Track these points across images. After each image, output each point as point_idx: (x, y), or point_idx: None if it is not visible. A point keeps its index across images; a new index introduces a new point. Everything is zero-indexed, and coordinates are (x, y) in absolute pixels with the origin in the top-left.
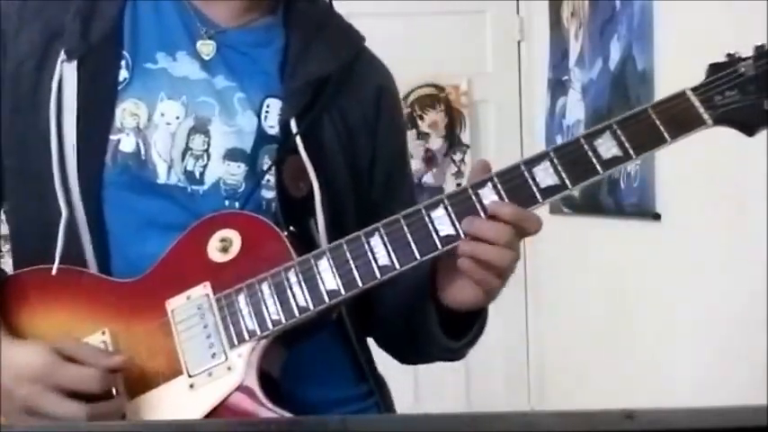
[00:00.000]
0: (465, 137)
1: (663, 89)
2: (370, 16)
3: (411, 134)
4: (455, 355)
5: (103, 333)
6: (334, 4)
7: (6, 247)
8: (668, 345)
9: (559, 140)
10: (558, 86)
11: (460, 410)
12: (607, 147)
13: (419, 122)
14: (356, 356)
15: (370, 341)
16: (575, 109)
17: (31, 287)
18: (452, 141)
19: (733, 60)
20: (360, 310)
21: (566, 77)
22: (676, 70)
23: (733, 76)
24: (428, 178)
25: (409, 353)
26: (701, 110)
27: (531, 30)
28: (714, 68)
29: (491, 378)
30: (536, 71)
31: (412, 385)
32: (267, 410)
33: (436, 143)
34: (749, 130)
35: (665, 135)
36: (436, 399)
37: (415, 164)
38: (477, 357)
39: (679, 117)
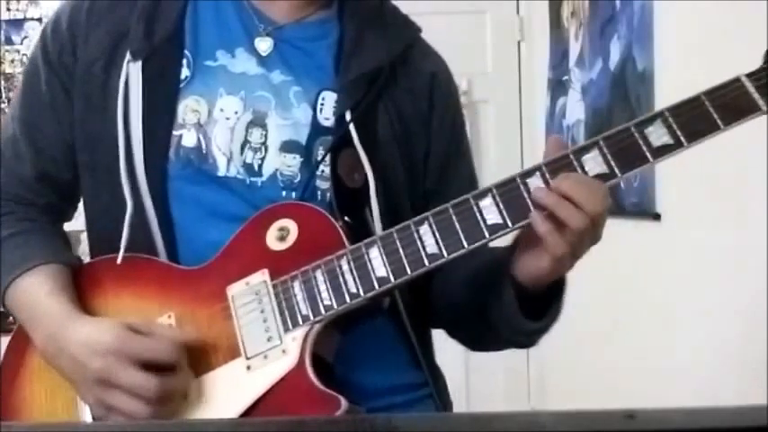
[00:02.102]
0: None
1: (663, 89)
2: None
3: None
4: (529, 339)
5: (169, 317)
6: None
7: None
8: (668, 345)
9: None
10: (558, 86)
11: (460, 410)
12: (658, 134)
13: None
14: (411, 345)
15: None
16: (575, 109)
17: (103, 274)
18: None
19: None
20: (420, 299)
21: (566, 77)
22: (676, 70)
23: None
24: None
25: (481, 338)
26: (756, 96)
27: (531, 30)
28: None
29: (491, 378)
30: (536, 71)
31: None
32: (319, 392)
33: None
34: None
35: (719, 122)
36: None
37: None
38: (478, 357)
39: (733, 104)
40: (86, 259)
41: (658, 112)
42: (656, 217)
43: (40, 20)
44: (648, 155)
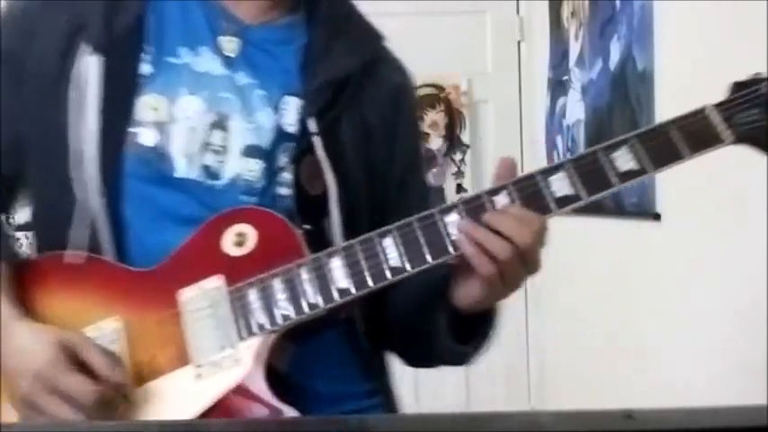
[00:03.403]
0: (465, 137)
1: (663, 89)
2: (370, 16)
3: None
4: (461, 359)
5: (116, 320)
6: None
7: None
8: (668, 345)
9: (559, 140)
10: (558, 86)
11: (460, 410)
12: (624, 159)
13: (419, 122)
14: (363, 355)
15: None
16: (575, 109)
17: (49, 272)
18: (452, 141)
19: (756, 80)
20: (371, 312)
21: (566, 77)
22: (676, 70)
23: (755, 94)
24: (428, 178)
25: (417, 355)
26: (720, 128)
27: (531, 30)
28: (737, 87)
29: (491, 378)
30: (536, 71)
31: (412, 385)
32: (270, 404)
33: (436, 143)
34: None
35: (683, 152)
36: (436, 399)
37: None
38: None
39: (698, 134)
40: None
41: (625, 138)
42: (656, 217)
43: None
44: (615, 179)
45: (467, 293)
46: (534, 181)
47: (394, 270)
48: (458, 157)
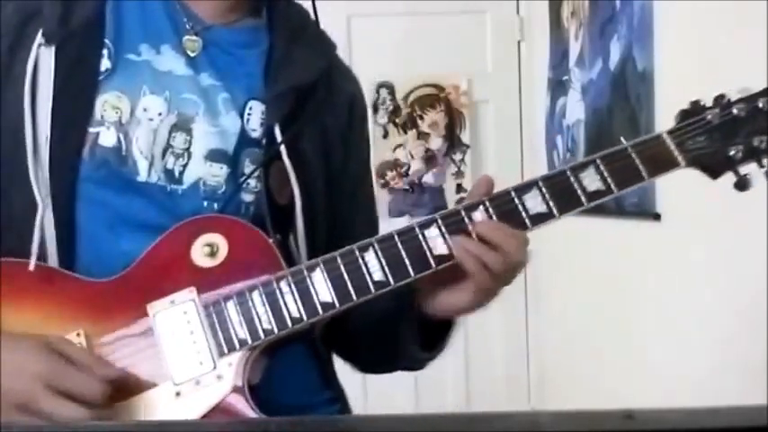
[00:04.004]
0: (465, 137)
1: (663, 89)
2: (371, 16)
3: (411, 134)
4: (420, 365)
5: (78, 334)
6: (306, 7)
7: None
8: (668, 345)
9: (559, 141)
10: (558, 86)
11: (460, 410)
12: (591, 179)
13: (419, 122)
14: (322, 364)
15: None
16: (575, 109)
17: (7, 280)
18: (452, 141)
19: (698, 108)
20: (331, 321)
21: (566, 77)
22: (676, 70)
23: (702, 122)
24: (428, 178)
25: (373, 362)
26: (675, 153)
27: (531, 30)
28: (684, 114)
29: (491, 378)
30: (536, 71)
31: (412, 385)
32: (255, 417)
33: (436, 143)
34: (714, 174)
35: (643, 174)
36: (436, 399)
37: (416, 164)
38: (478, 357)
39: (656, 157)
40: None
41: (591, 159)
42: (656, 217)
43: None
44: (583, 198)
45: (448, 302)
46: (510, 197)
47: (377, 284)
48: (458, 157)
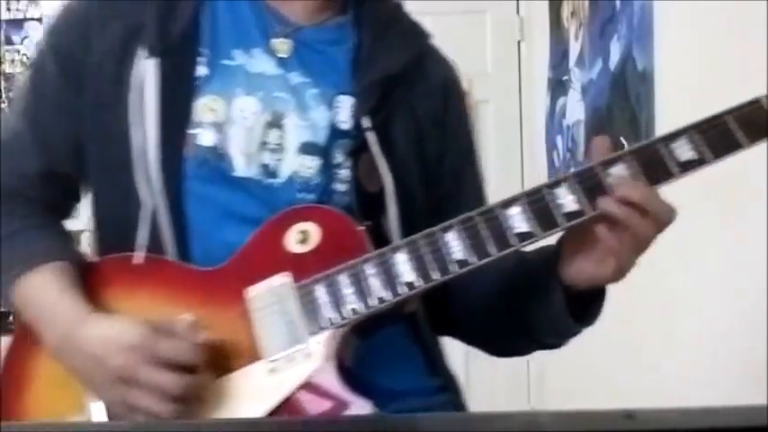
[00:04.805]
0: None
1: (663, 89)
2: None
3: None
4: (562, 341)
5: (185, 317)
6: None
7: None
8: (668, 344)
9: (559, 141)
10: (558, 86)
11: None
12: (683, 150)
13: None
14: (428, 351)
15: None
16: (575, 109)
17: (114, 273)
18: None
19: None
20: (435, 307)
21: (566, 77)
22: (676, 70)
23: None
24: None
25: (507, 342)
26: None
27: (531, 30)
28: None
29: (491, 378)
30: (536, 71)
31: None
32: (344, 395)
33: None
34: None
35: (742, 140)
36: None
37: None
38: (478, 358)
39: (756, 122)
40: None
41: (684, 129)
42: None
43: (40, 20)
44: (675, 169)
45: (594, 272)
46: (594, 172)
47: (459, 263)
48: None
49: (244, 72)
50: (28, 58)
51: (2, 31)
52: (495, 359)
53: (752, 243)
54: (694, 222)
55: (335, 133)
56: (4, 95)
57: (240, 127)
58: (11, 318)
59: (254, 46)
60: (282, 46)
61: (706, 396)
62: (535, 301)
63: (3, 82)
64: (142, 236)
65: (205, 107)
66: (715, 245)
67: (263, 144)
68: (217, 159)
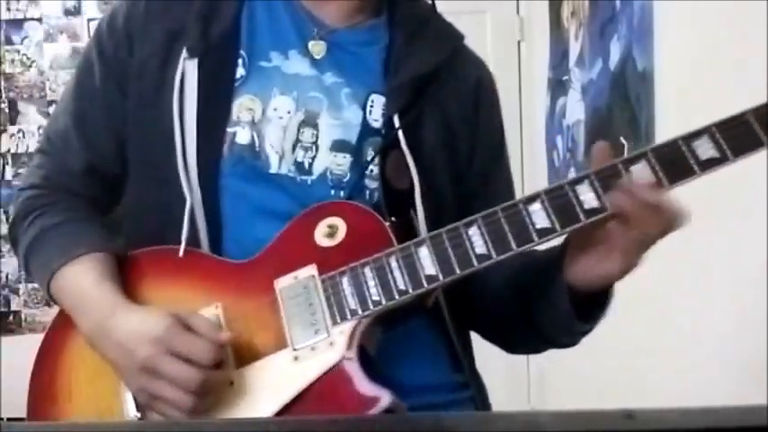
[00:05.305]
0: None
1: (663, 89)
2: None
3: None
4: (574, 339)
5: (216, 307)
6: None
7: (6, 248)
8: (668, 345)
9: (559, 141)
10: (558, 86)
11: None
12: (705, 148)
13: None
14: (452, 347)
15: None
16: (575, 109)
17: (153, 265)
18: None
19: None
20: (460, 301)
21: (566, 77)
22: (676, 70)
23: None
24: None
25: (522, 339)
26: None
27: (531, 30)
28: None
29: (491, 378)
30: (536, 71)
31: None
32: (365, 385)
33: None
34: None
35: (764, 139)
36: None
37: None
38: (477, 357)
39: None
40: None
41: (706, 127)
42: None
43: (40, 20)
44: (696, 167)
45: (602, 270)
46: (617, 169)
47: (480, 257)
48: None
49: (280, 73)
50: (28, 57)
51: (2, 31)
52: (494, 359)
53: (752, 243)
54: (694, 222)
55: (367, 131)
56: (4, 95)
57: (276, 126)
58: (11, 318)
59: (290, 48)
60: (317, 47)
61: (706, 396)
62: (542, 300)
63: (3, 82)
64: (185, 230)
65: (242, 106)
66: (715, 245)
67: (298, 142)
68: (253, 157)
